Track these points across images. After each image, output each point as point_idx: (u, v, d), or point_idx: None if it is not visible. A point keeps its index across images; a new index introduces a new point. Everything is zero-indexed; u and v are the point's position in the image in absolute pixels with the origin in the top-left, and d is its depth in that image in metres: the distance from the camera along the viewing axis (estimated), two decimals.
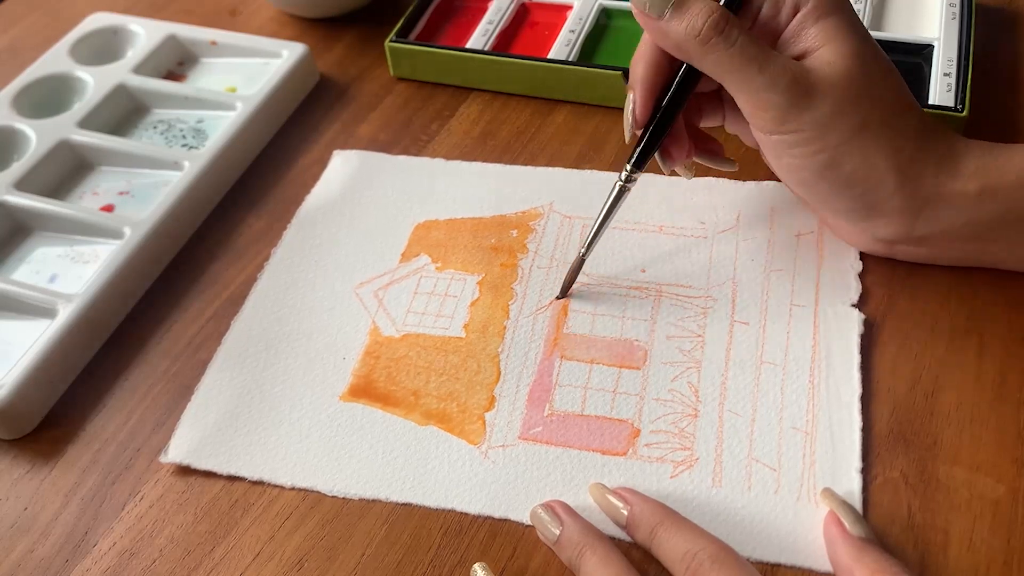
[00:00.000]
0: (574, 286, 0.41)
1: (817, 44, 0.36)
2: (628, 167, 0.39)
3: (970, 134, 0.39)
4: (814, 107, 0.35)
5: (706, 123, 0.42)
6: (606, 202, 0.39)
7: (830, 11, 0.36)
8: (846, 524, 0.31)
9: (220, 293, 0.44)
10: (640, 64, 0.38)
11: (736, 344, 0.38)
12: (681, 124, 0.40)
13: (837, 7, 0.36)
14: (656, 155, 0.40)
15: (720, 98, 0.41)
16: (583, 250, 0.40)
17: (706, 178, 0.45)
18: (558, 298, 0.41)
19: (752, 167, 0.46)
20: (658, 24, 0.36)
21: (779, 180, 0.45)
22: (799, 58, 0.36)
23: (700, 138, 0.42)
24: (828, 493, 0.33)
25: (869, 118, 0.36)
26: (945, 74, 0.47)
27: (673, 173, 0.42)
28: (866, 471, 0.34)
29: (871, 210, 0.38)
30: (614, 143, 0.49)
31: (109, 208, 0.47)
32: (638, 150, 0.39)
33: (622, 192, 0.39)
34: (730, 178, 0.45)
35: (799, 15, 0.36)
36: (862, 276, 0.40)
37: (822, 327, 0.38)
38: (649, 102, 0.38)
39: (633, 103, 0.39)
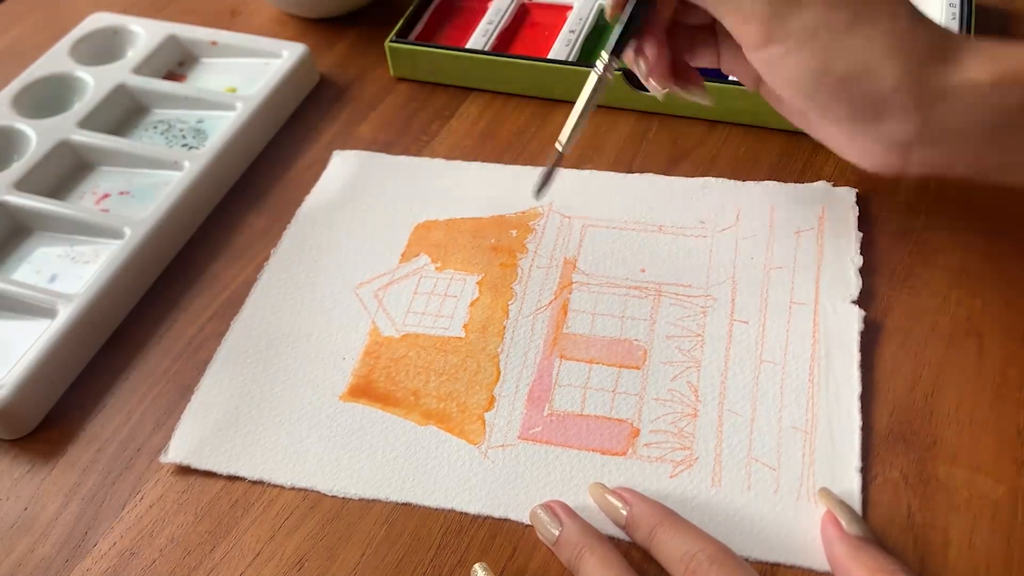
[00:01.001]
0: (580, 274, 0.41)
1: None
2: (604, 54, 0.38)
3: None
4: (800, 11, 0.34)
5: (699, 62, 0.41)
6: (582, 95, 0.39)
7: None
8: (843, 523, 0.31)
9: (220, 293, 0.44)
10: None
11: (736, 343, 0.38)
12: (660, 32, 0.39)
13: None
14: (634, 64, 0.39)
15: (714, 33, 0.40)
16: (561, 144, 0.39)
17: (705, 178, 0.45)
18: (534, 196, 0.41)
19: (751, 167, 0.46)
20: None
21: (778, 180, 0.45)
22: None
23: (683, 68, 0.40)
24: (825, 493, 0.33)
25: (860, 12, 0.34)
26: None
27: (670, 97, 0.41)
28: (866, 471, 0.34)
29: (877, 111, 0.35)
30: (614, 143, 0.49)
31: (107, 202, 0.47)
32: (614, 36, 0.38)
33: (600, 81, 0.38)
34: (729, 177, 0.45)
35: None
36: (863, 274, 0.40)
37: (822, 325, 0.38)
38: None
39: None
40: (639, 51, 0.39)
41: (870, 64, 0.34)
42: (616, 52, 0.38)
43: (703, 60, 0.41)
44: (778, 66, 0.35)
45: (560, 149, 0.39)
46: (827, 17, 0.34)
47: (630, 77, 0.49)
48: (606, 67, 0.38)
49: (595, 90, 0.39)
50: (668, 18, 0.39)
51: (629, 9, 0.38)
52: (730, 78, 0.46)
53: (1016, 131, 0.34)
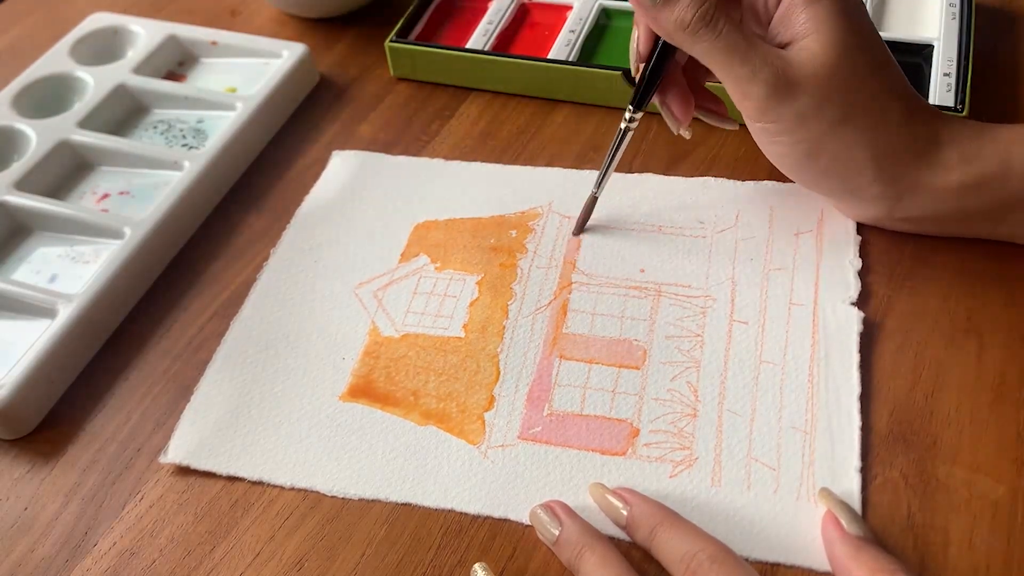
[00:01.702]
0: (581, 275, 0.41)
1: (804, 32, 0.36)
2: (630, 107, 0.40)
3: None
4: (794, 100, 0.36)
5: (713, 80, 0.42)
6: (613, 144, 0.41)
7: None
8: (843, 523, 0.31)
9: (220, 293, 0.44)
10: None
11: (735, 343, 0.38)
12: (681, 79, 0.41)
13: None
14: (663, 113, 0.41)
15: None
16: (596, 189, 0.43)
17: (704, 178, 0.45)
18: (574, 235, 0.44)
19: (750, 167, 0.46)
20: (651, 11, 0.37)
21: (778, 181, 0.45)
22: (785, 45, 0.37)
23: (704, 96, 0.42)
24: (825, 493, 0.33)
25: (850, 112, 0.36)
26: (945, 74, 0.47)
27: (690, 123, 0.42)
28: (866, 471, 0.34)
29: (852, 195, 0.40)
30: None
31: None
32: (639, 89, 0.40)
33: (625, 132, 0.41)
34: (728, 177, 0.45)
35: (787, 0, 0.37)
36: (862, 275, 0.40)
37: (821, 326, 0.38)
38: (651, 37, 0.39)
39: (636, 39, 0.40)
40: (664, 103, 0.41)
41: (852, 160, 0.38)
42: (640, 107, 0.40)
43: (715, 77, 0.41)
44: (769, 142, 0.39)
45: (595, 192, 0.43)
46: (819, 110, 0.37)
47: (630, 77, 0.49)
48: (631, 119, 0.41)
49: (622, 140, 0.41)
50: (684, 59, 0.41)
51: (650, 66, 0.40)
52: None
53: (980, 218, 0.39)
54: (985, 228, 0.40)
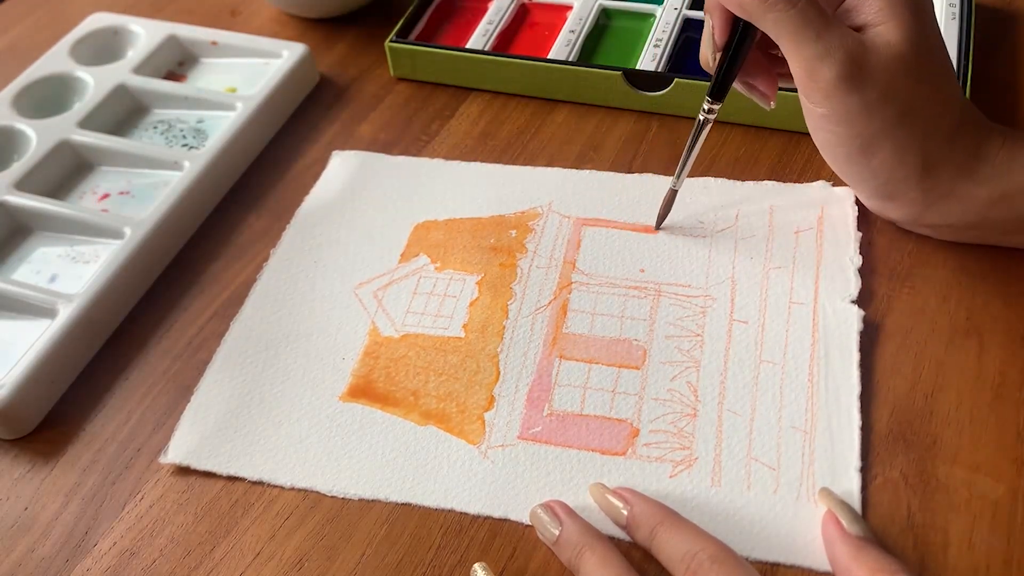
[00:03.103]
0: (581, 276, 0.41)
1: (879, 19, 0.35)
2: (708, 99, 0.39)
3: None
4: (863, 90, 0.35)
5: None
6: (692, 137, 0.40)
7: None
8: (844, 523, 0.31)
9: (220, 293, 0.44)
10: None
11: (735, 343, 0.38)
12: (760, 58, 0.40)
13: None
14: (748, 93, 0.40)
15: None
16: (675, 182, 0.42)
17: (704, 178, 0.45)
18: (655, 228, 0.43)
19: (751, 167, 0.46)
20: None
21: (777, 180, 0.45)
22: (858, 30, 0.36)
23: (775, 63, 0.41)
24: (826, 492, 0.33)
25: (910, 110, 0.36)
26: None
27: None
28: (866, 471, 0.34)
29: (889, 196, 0.39)
30: (614, 143, 0.49)
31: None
32: (719, 78, 0.38)
33: (704, 124, 0.40)
34: (728, 177, 0.45)
35: None
36: (862, 274, 0.40)
37: (821, 325, 0.38)
38: (727, 25, 0.37)
39: (711, 27, 0.38)
40: (749, 85, 0.40)
41: (902, 163, 0.37)
42: (720, 97, 0.39)
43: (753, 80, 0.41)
44: (825, 129, 0.37)
45: (674, 186, 0.42)
46: (883, 105, 0.35)
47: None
48: (709, 111, 0.39)
49: (699, 133, 0.40)
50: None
51: (726, 59, 0.38)
52: None
53: (999, 230, 0.39)
54: (1004, 238, 0.40)
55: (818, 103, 0.36)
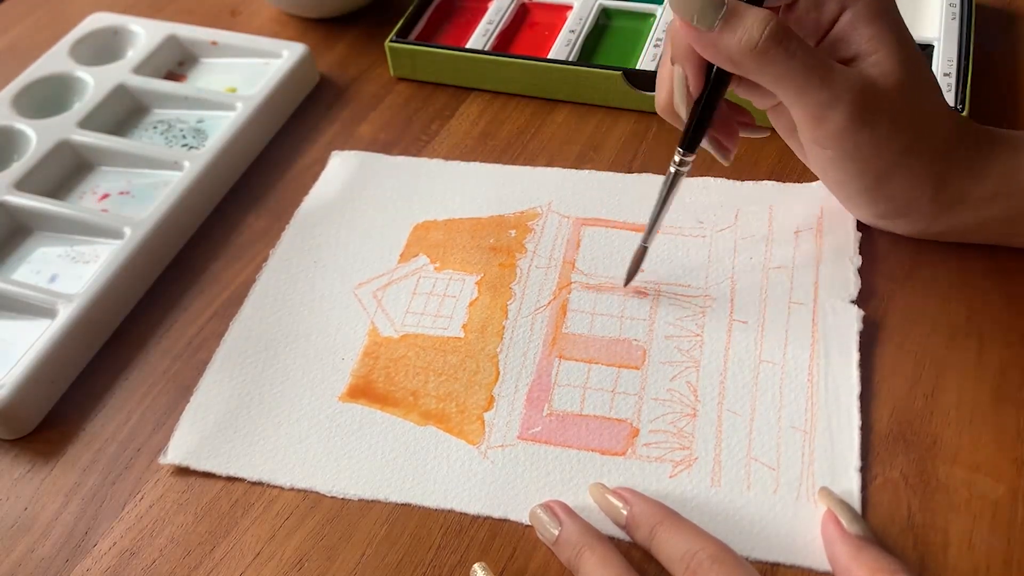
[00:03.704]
0: (581, 277, 0.41)
1: (871, 48, 0.34)
2: (680, 151, 0.37)
3: None
4: (873, 126, 0.34)
5: (739, 94, 0.39)
6: (662, 190, 0.38)
7: (882, 14, 0.34)
8: (844, 523, 0.31)
9: (220, 293, 0.44)
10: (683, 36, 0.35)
11: (735, 343, 0.38)
12: (725, 109, 0.38)
13: (888, 9, 0.35)
14: (709, 147, 0.38)
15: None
16: (645, 240, 0.39)
17: (704, 178, 0.45)
18: (623, 285, 0.41)
19: (750, 166, 0.46)
20: (708, 37, 0.33)
21: (777, 180, 0.45)
22: (848, 62, 0.35)
23: (733, 111, 0.40)
24: (825, 492, 0.33)
25: (919, 134, 0.35)
26: (945, 74, 0.47)
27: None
28: (866, 471, 0.34)
29: (901, 214, 0.39)
30: (614, 143, 0.49)
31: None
32: (691, 129, 0.36)
33: (677, 176, 0.37)
34: (728, 177, 0.45)
35: (848, 14, 0.35)
36: (861, 274, 0.40)
37: (821, 325, 0.38)
38: (701, 73, 0.36)
39: (685, 78, 0.36)
40: (712, 137, 0.38)
41: (916, 184, 0.37)
42: (691, 148, 0.37)
43: (744, 95, 0.40)
44: (835, 168, 0.37)
45: (645, 244, 0.39)
46: (894, 136, 0.35)
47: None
48: (681, 163, 0.37)
49: (672, 187, 0.38)
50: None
51: (700, 108, 0.36)
52: None
53: (1002, 227, 0.38)
54: (1006, 238, 0.40)
55: (828, 146, 0.35)
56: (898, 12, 0.36)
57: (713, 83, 0.36)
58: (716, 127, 0.38)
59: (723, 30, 0.33)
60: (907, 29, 0.36)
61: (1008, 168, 0.37)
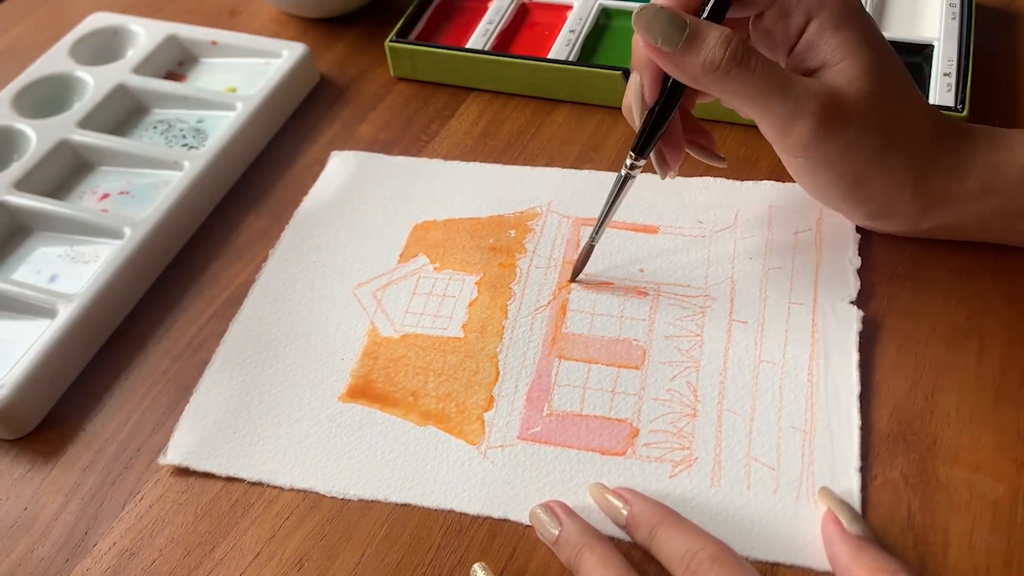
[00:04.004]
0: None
1: (838, 57, 0.35)
2: (632, 155, 0.38)
3: None
4: (843, 132, 0.35)
5: (703, 99, 0.41)
6: (612, 190, 0.39)
7: (848, 21, 0.35)
8: (844, 523, 0.31)
9: (220, 293, 0.44)
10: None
11: (734, 343, 0.38)
12: (677, 124, 0.39)
13: (855, 15, 0.35)
14: (653, 160, 0.39)
15: None
16: (593, 237, 0.40)
17: (704, 178, 0.45)
18: (569, 281, 0.41)
19: (750, 167, 0.46)
20: (671, 57, 0.34)
21: (777, 180, 0.45)
22: (815, 72, 0.35)
23: (693, 130, 0.41)
24: (825, 492, 0.33)
25: (891, 136, 0.36)
26: (945, 74, 0.47)
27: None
28: (866, 471, 0.34)
29: (885, 215, 0.39)
30: (614, 143, 0.49)
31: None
32: (643, 135, 0.37)
33: (626, 180, 0.38)
34: (728, 177, 0.45)
35: (814, 24, 0.35)
36: (861, 274, 0.40)
37: (820, 325, 0.38)
38: (657, 83, 0.37)
39: (641, 86, 0.37)
40: (660, 156, 0.39)
41: (894, 183, 0.37)
42: (643, 154, 0.38)
43: (705, 97, 0.40)
44: (809, 175, 0.37)
45: (591, 242, 0.40)
46: (864, 139, 0.35)
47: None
48: (632, 167, 0.38)
49: (622, 189, 0.39)
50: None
51: (653, 117, 0.37)
52: None
53: (993, 224, 0.38)
54: (1001, 235, 0.40)
55: (797, 155, 0.36)
56: (867, 16, 0.36)
57: (668, 94, 0.37)
58: (663, 140, 0.39)
59: (686, 52, 0.34)
60: (878, 32, 0.36)
61: (990, 165, 0.37)
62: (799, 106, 0.34)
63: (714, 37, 0.34)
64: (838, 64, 0.35)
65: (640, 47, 0.36)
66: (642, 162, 0.38)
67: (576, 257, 0.41)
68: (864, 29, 0.35)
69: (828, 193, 0.38)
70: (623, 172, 0.38)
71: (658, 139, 0.38)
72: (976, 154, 0.37)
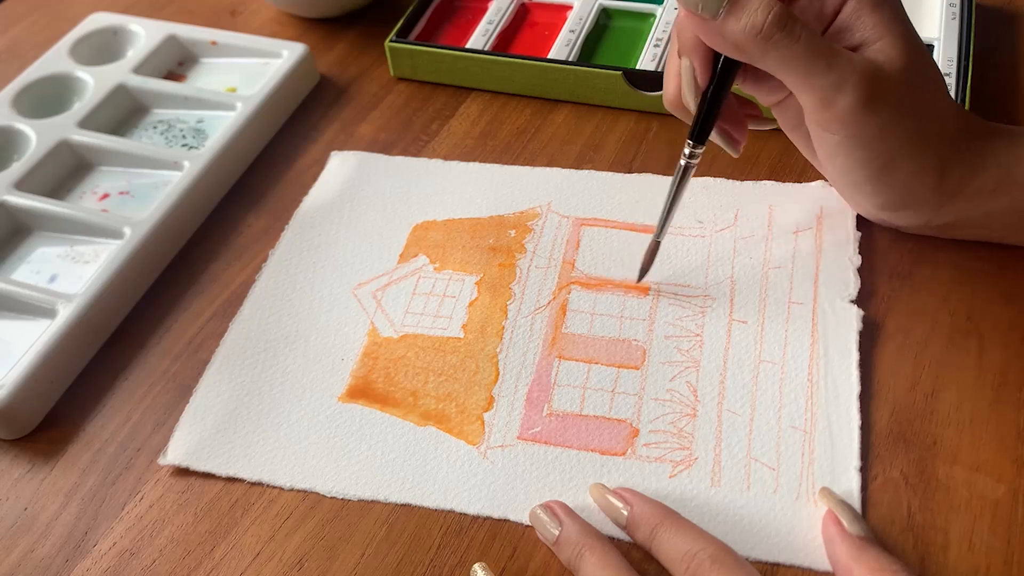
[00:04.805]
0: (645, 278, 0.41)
1: (876, 35, 0.34)
2: (690, 143, 0.37)
3: None
4: (880, 110, 0.34)
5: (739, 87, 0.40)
6: (672, 184, 0.38)
7: (885, 1, 0.35)
8: (844, 523, 0.31)
9: (220, 293, 0.44)
10: (688, 29, 0.36)
11: (734, 343, 0.38)
12: (732, 101, 0.39)
13: None
14: (719, 140, 0.38)
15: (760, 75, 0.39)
16: (658, 235, 0.39)
17: (704, 178, 0.45)
18: (637, 282, 0.41)
19: (751, 166, 0.46)
20: (712, 25, 0.34)
21: (777, 180, 0.45)
22: (854, 49, 0.35)
23: (740, 103, 0.40)
24: (826, 492, 0.33)
25: (924, 121, 0.36)
26: (945, 74, 0.47)
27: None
28: (866, 471, 0.34)
29: (903, 205, 0.38)
30: (614, 143, 0.49)
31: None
32: (700, 121, 0.37)
33: (687, 169, 0.38)
34: (728, 177, 0.45)
35: (851, 3, 0.35)
36: (861, 273, 0.40)
37: (820, 324, 0.38)
38: (708, 64, 0.36)
39: (690, 69, 0.36)
40: (721, 130, 0.39)
41: (921, 171, 0.37)
42: (701, 140, 0.37)
43: (750, 90, 0.40)
44: (839, 153, 0.37)
45: (657, 239, 0.40)
46: (901, 120, 0.35)
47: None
48: (691, 155, 0.37)
49: (683, 179, 0.38)
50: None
51: (708, 100, 0.37)
52: None
53: (1001, 222, 0.38)
54: (1006, 234, 0.40)
55: (835, 131, 0.35)
56: (900, 2, 0.36)
57: (720, 73, 0.36)
58: (725, 119, 0.39)
59: (727, 17, 0.34)
60: (909, 20, 0.36)
61: (1008, 160, 0.37)
62: (843, 78, 0.34)
63: (756, 2, 0.33)
64: (876, 43, 0.35)
65: (685, 31, 0.36)
66: (701, 149, 0.37)
67: (644, 257, 0.40)
68: (900, 12, 0.35)
69: (854, 177, 0.37)
70: (682, 162, 0.37)
71: (715, 122, 0.37)
72: (994, 151, 0.37)
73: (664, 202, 0.39)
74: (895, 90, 0.34)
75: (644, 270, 0.41)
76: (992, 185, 0.37)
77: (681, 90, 0.37)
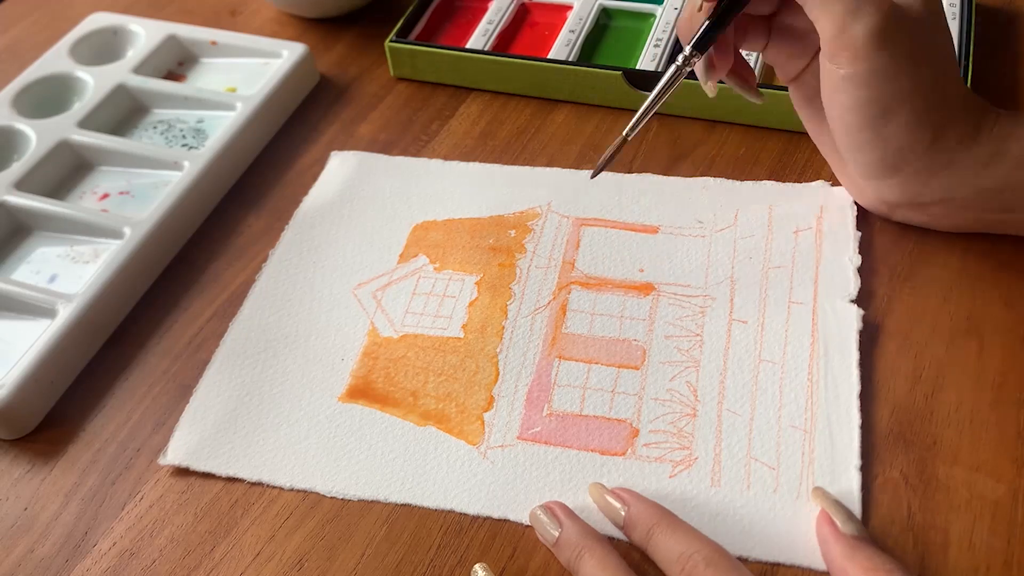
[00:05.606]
0: (578, 276, 0.41)
1: None
2: (689, 48, 0.37)
3: None
4: (892, 46, 0.34)
5: (747, 47, 0.40)
6: (660, 82, 0.38)
7: None
8: (838, 523, 0.31)
9: (220, 293, 0.44)
10: None
11: (734, 343, 0.38)
12: (731, 36, 0.39)
13: None
14: (733, 84, 0.39)
15: (767, 24, 0.40)
16: (627, 133, 0.39)
17: (704, 178, 0.45)
18: (591, 177, 0.41)
19: (751, 167, 0.46)
20: None
21: (777, 180, 0.45)
22: None
23: (739, 63, 0.40)
24: (819, 492, 0.33)
25: (931, 75, 0.36)
26: None
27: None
28: (866, 471, 0.34)
29: (894, 168, 0.38)
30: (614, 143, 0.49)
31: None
32: (700, 31, 0.37)
33: (678, 73, 0.38)
34: (728, 177, 0.45)
35: None
36: (861, 273, 0.40)
37: (820, 324, 0.38)
38: None
39: None
40: (735, 74, 0.39)
41: (915, 128, 0.36)
42: (702, 48, 0.37)
43: (750, 45, 0.40)
44: (845, 91, 0.36)
45: (625, 135, 0.39)
46: (907, 64, 0.35)
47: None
48: (687, 61, 0.37)
49: (671, 83, 0.38)
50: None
51: (719, 9, 0.37)
52: None
53: (993, 203, 0.38)
54: (999, 217, 0.39)
55: (844, 64, 0.35)
56: None
57: None
58: (735, 66, 0.39)
59: None
60: None
61: (1003, 134, 0.37)
62: (860, 4, 0.34)
63: None
64: None
65: None
66: (697, 59, 0.37)
67: (603, 156, 0.40)
68: None
69: (851, 121, 0.37)
70: (676, 65, 0.37)
71: (717, 34, 0.37)
72: (988, 125, 0.37)
73: (647, 101, 0.38)
74: (908, 32, 0.35)
75: (601, 167, 0.40)
76: (985, 158, 0.37)
77: (692, 12, 0.38)
